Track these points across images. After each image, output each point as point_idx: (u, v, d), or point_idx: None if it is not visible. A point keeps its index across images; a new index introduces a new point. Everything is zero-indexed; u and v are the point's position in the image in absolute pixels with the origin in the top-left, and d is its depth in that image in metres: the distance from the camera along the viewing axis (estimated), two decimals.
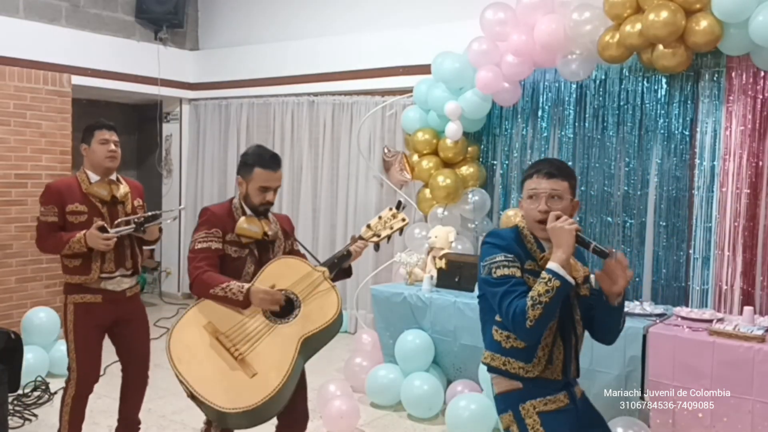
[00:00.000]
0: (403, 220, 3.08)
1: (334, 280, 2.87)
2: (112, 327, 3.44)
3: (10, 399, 3.99)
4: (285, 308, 2.74)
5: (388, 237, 3.06)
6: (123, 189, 3.45)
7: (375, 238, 3.03)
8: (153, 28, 7.31)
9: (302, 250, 3.16)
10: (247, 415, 2.54)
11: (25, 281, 5.88)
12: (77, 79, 6.39)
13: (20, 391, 4.30)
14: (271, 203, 2.89)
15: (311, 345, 2.73)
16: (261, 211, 2.89)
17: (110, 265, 3.33)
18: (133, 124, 8.65)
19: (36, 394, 4.55)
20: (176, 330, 2.68)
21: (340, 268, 2.93)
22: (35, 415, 4.27)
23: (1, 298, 5.76)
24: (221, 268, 2.81)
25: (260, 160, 2.85)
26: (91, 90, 6.79)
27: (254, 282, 2.74)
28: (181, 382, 2.60)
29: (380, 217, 3.08)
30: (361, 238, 3.03)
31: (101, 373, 3.49)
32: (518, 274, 2.20)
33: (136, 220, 3.35)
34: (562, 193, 2.24)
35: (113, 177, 3.44)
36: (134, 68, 7.05)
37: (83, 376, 3.33)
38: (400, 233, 3.14)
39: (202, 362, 2.61)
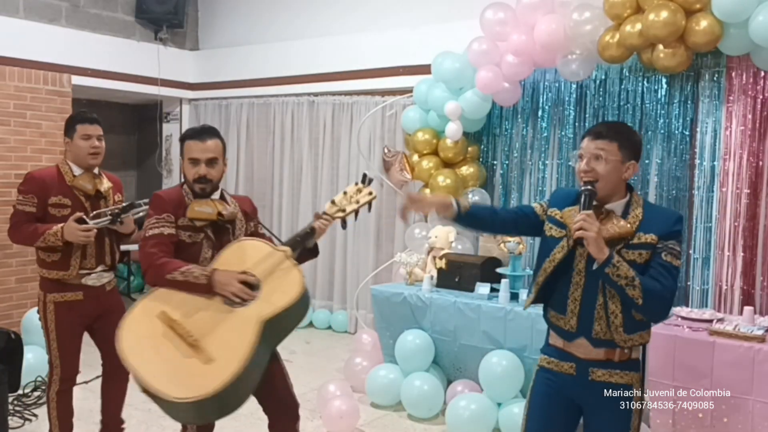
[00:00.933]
0: (370, 193, 2.83)
1: (299, 260, 2.67)
2: (93, 322, 3.42)
3: (10, 399, 3.99)
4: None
5: (356, 212, 2.83)
6: (106, 183, 3.43)
7: (340, 213, 2.78)
8: (153, 28, 7.30)
9: (267, 234, 2.96)
10: (207, 404, 2.30)
11: (25, 281, 5.87)
12: (77, 79, 6.38)
13: (20, 391, 4.29)
14: (205, 178, 2.67)
15: (276, 328, 2.51)
16: (198, 191, 2.69)
17: (91, 261, 3.31)
18: (133, 124, 8.65)
19: (36, 394, 4.54)
20: (126, 323, 2.46)
21: (304, 247, 2.73)
22: (35, 415, 4.26)
23: (1, 298, 5.75)
24: (176, 256, 2.62)
25: (189, 132, 2.72)
26: (91, 90, 6.78)
27: (213, 265, 2.57)
28: (135, 377, 2.38)
29: (345, 192, 2.86)
30: (325, 213, 2.79)
31: (102, 373, 3.50)
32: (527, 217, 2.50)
33: (110, 211, 3.30)
34: (606, 154, 2.27)
35: (95, 171, 3.42)
36: (134, 68, 7.04)
37: (66, 370, 3.32)
38: (369, 209, 2.89)
39: (153, 353, 2.39)
